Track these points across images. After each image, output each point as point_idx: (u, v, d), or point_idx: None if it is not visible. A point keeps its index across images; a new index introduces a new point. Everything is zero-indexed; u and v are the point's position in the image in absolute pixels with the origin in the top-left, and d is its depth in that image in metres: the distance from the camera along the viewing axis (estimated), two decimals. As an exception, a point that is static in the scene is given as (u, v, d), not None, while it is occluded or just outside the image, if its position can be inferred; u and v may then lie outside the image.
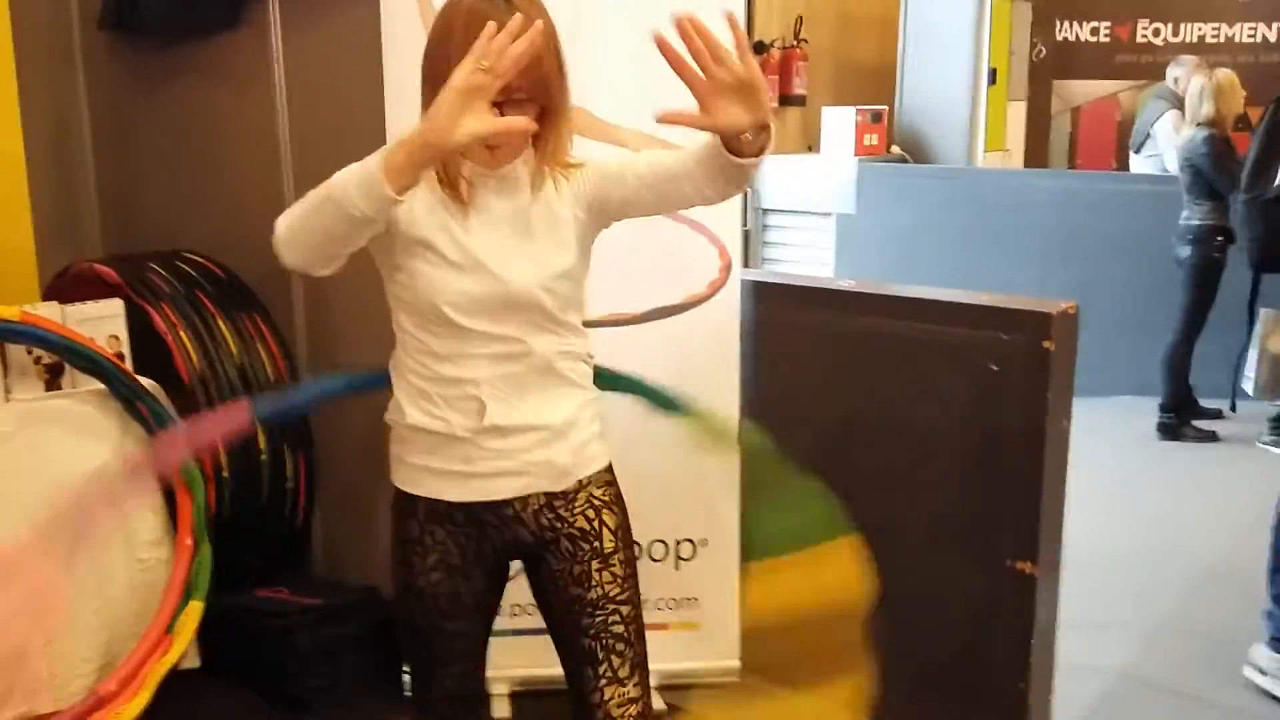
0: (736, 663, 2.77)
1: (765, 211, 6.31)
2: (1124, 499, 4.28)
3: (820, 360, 2.65)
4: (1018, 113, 6.45)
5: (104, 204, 3.30)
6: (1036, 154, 6.61)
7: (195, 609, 2.68)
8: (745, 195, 6.15)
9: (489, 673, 2.56)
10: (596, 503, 1.76)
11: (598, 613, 1.74)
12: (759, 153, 1.54)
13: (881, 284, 2.86)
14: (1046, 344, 2.28)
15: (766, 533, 2.22)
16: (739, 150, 1.52)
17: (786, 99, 6.28)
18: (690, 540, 2.73)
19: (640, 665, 1.79)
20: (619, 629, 1.75)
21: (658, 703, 2.71)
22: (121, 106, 3.21)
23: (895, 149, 6.34)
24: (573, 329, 1.73)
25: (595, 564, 1.74)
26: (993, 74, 6.11)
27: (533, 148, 1.66)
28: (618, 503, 1.81)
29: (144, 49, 3.05)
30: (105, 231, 3.31)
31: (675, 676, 2.76)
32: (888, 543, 2.57)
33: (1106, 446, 4.54)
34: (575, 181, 1.69)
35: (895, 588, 2.57)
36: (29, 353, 2.60)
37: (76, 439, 2.60)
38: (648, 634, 2.72)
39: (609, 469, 1.81)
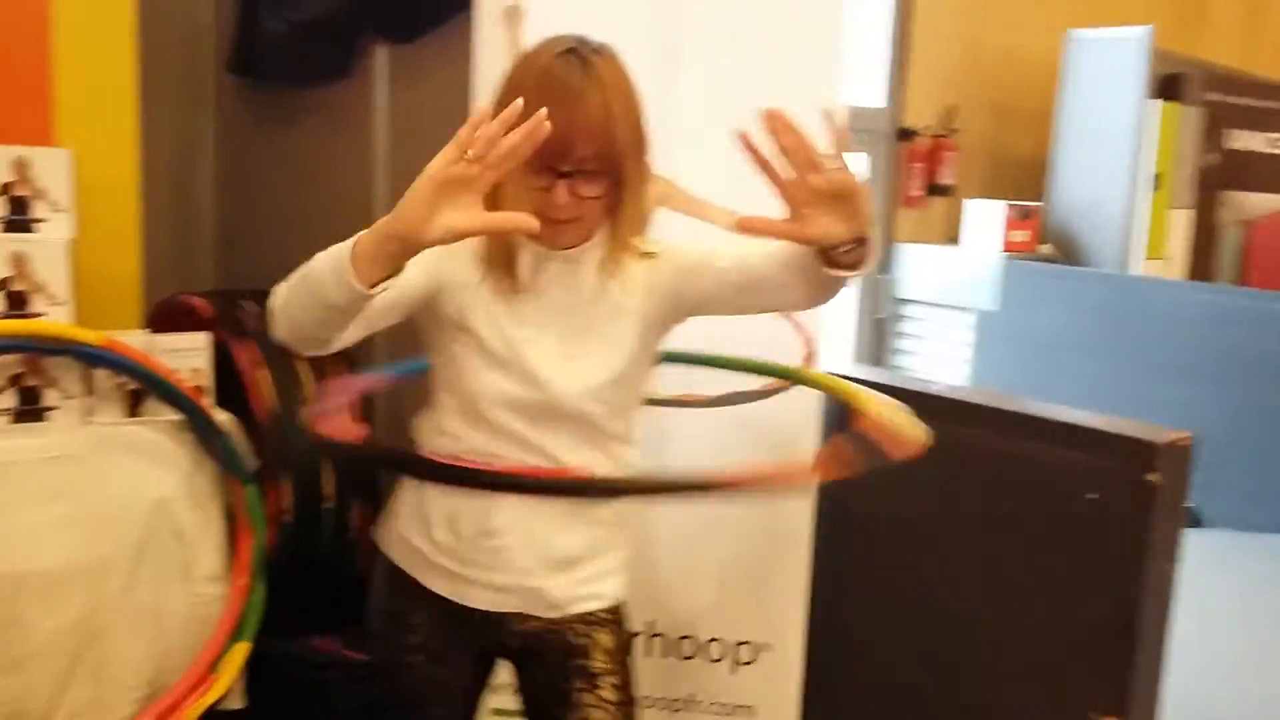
0: (790, 781, 2.59)
1: (901, 301, 6.10)
2: (1257, 649, 3.88)
3: (903, 466, 2.46)
4: (1182, 221, 6.08)
5: (220, 240, 3.38)
6: (1201, 266, 6.21)
7: (241, 650, 2.65)
8: (878, 283, 5.97)
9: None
10: (591, 618, 1.61)
11: None
12: (855, 266, 1.38)
13: (976, 391, 2.67)
14: (1151, 477, 2.06)
15: None
16: (833, 262, 1.36)
17: (934, 189, 6.09)
18: (750, 643, 2.57)
19: None
20: None
21: (698, 814, 2.55)
22: (244, 147, 3.30)
23: (1046, 247, 6.05)
24: (620, 439, 1.59)
25: (579, 684, 1.60)
26: (1156, 179, 5.79)
27: (606, 227, 1.53)
28: (615, 620, 1.65)
29: (267, 93, 3.12)
30: (219, 266, 3.38)
31: (721, 786, 2.59)
32: (964, 676, 2.37)
33: (1256, 589, 4.14)
34: (649, 271, 1.55)
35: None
36: (113, 378, 2.64)
37: (148, 466, 2.62)
38: (698, 735, 2.58)
39: (614, 609, 1.66)
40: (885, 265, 5.97)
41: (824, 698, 2.56)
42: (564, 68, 1.44)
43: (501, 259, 1.50)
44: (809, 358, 2.50)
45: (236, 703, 2.73)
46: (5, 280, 2.54)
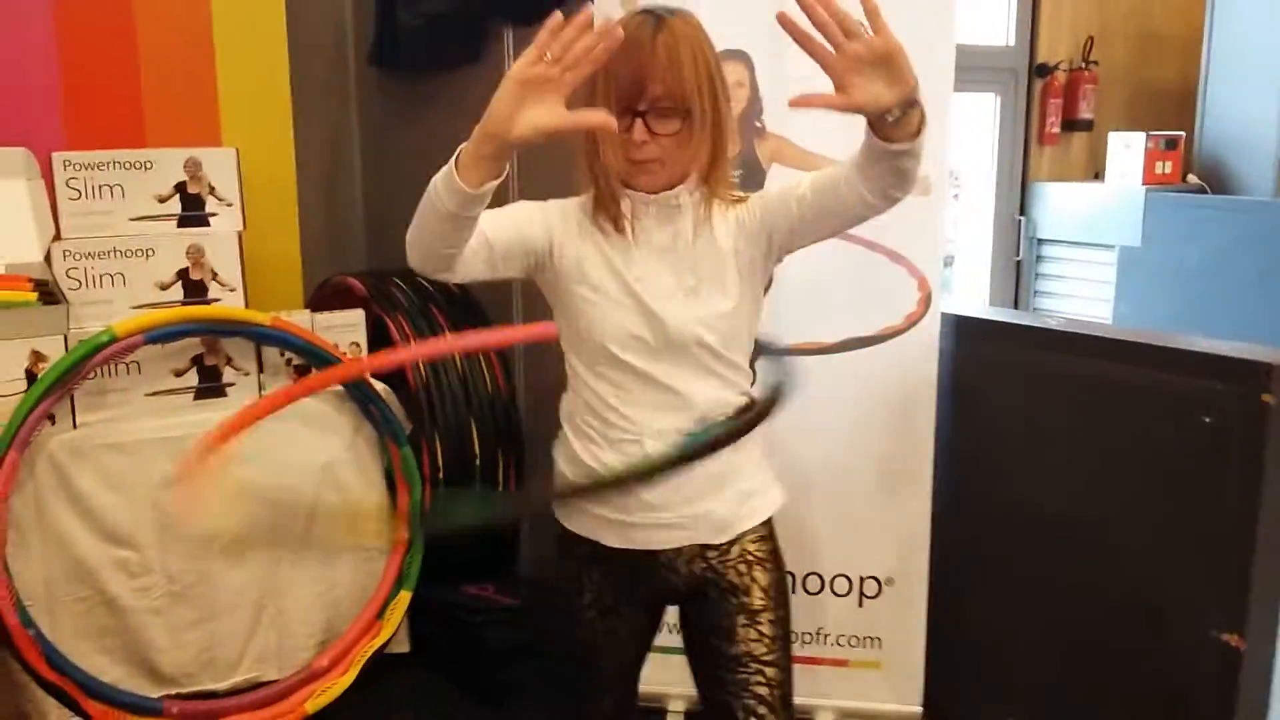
0: (919, 708, 2.68)
1: (1041, 242, 5.99)
2: None
3: (1021, 402, 2.52)
4: (1341, 141, 5.78)
5: (369, 223, 3.63)
6: (1363, 187, 5.90)
7: (404, 598, 2.90)
8: (1020, 224, 5.88)
9: (664, 689, 2.64)
10: (750, 558, 1.71)
11: (740, 670, 1.69)
12: (912, 135, 1.44)
13: (1089, 324, 2.70)
14: (1266, 397, 2.07)
15: None
16: (889, 135, 1.43)
17: (1071, 124, 5.94)
18: (876, 578, 2.67)
19: None
20: (761, 690, 1.68)
21: (832, 739, 2.67)
22: (386, 135, 3.52)
23: (1192, 178, 5.85)
24: (737, 368, 1.68)
25: (741, 619, 1.69)
26: (1310, 98, 5.52)
27: (697, 174, 1.63)
28: (773, 559, 1.74)
29: (404, 82, 3.33)
30: (369, 248, 3.63)
31: (853, 714, 2.71)
32: (1087, 600, 2.43)
33: None
34: (741, 214, 1.64)
35: (1090, 652, 2.42)
36: (281, 354, 2.90)
37: (313, 433, 2.87)
38: (827, 668, 2.71)
39: (768, 522, 1.75)
40: (1022, 206, 5.89)
41: (949, 628, 2.65)
42: (638, 22, 1.56)
43: (606, 206, 1.61)
44: (925, 299, 2.58)
45: (403, 646, 2.99)
46: (183, 270, 2.82)
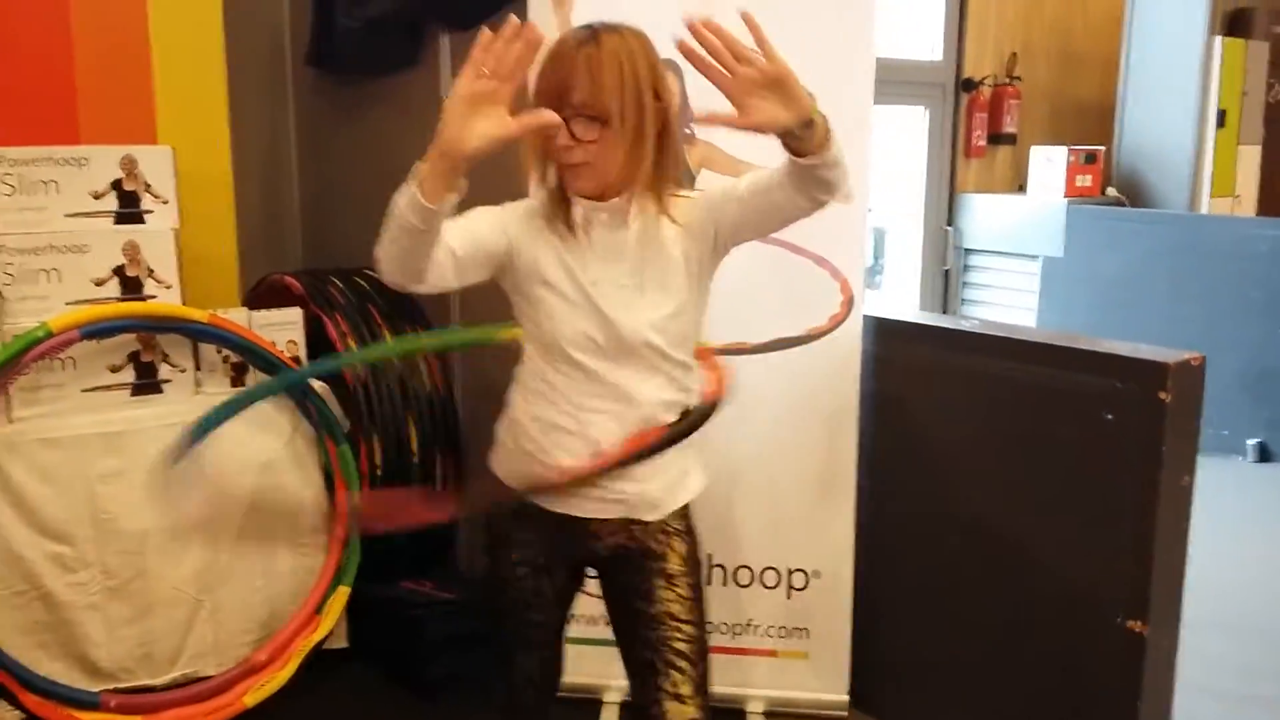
0: (845, 697, 2.78)
1: (968, 251, 6.17)
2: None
3: (937, 399, 2.64)
4: (1250, 158, 6.04)
5: (305, 222, 3.65)
6: (1272, 202, 6.16)
7: (342, 593, 2.94)
8: (947, 234, 6.05)
9: (601, 681, 2.71)
10: (669, 529, 1.81)
11: (660, 628, 1.77)
12: (820, 149, 1.53)
13: (1001, 326, 2.82)
14: (1162, 395, 2.19)
15: None
16: (797, 150, 1.53)
17: (996, 137, 6.13)
18: (803, 570, 2.76)
19: (702, 686, 1.79)
20: (680, 645, 1.77)
21: (759, 727, 2.76)
22: (322, 135, 3.55)
23: (1111, 191, 6.07)
24: (682, 366, 1.77)
25: (660, 581, 1.79)
26: (1221, 116, 5.76)
27: (643, 181, 1.69)
28: (690, 534, 1.84)
29: (341, 84, 3.37)
30: (306, 247, 3.66)
31: (781, 704, 2.80)
32: (1003, 590, 2.54)
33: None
34: (684, 215, 1.72)
35: (1006, 642, 2.54)
36: (218, 352, 2.92)
37: (252, 431, 2.87)
38: (755, 659, 2.80)
39: (688, 510, 1.86)
40: (949, 216, 6.06)
41: (873, 618, 2.75)
42: (573, 35, 1.66)
43: (557, 213, 1.70)
44: (848, 302, 2.68)
45: (341, 642, 3.02)
46: (120, 267, 2.83)
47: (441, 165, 1.49)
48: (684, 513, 1.84)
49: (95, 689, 2.66)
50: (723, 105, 1.53)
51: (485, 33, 1.46)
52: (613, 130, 1.63)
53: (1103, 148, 6.04)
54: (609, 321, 1.69)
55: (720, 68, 1.49)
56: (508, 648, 1.93)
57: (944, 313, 6.11)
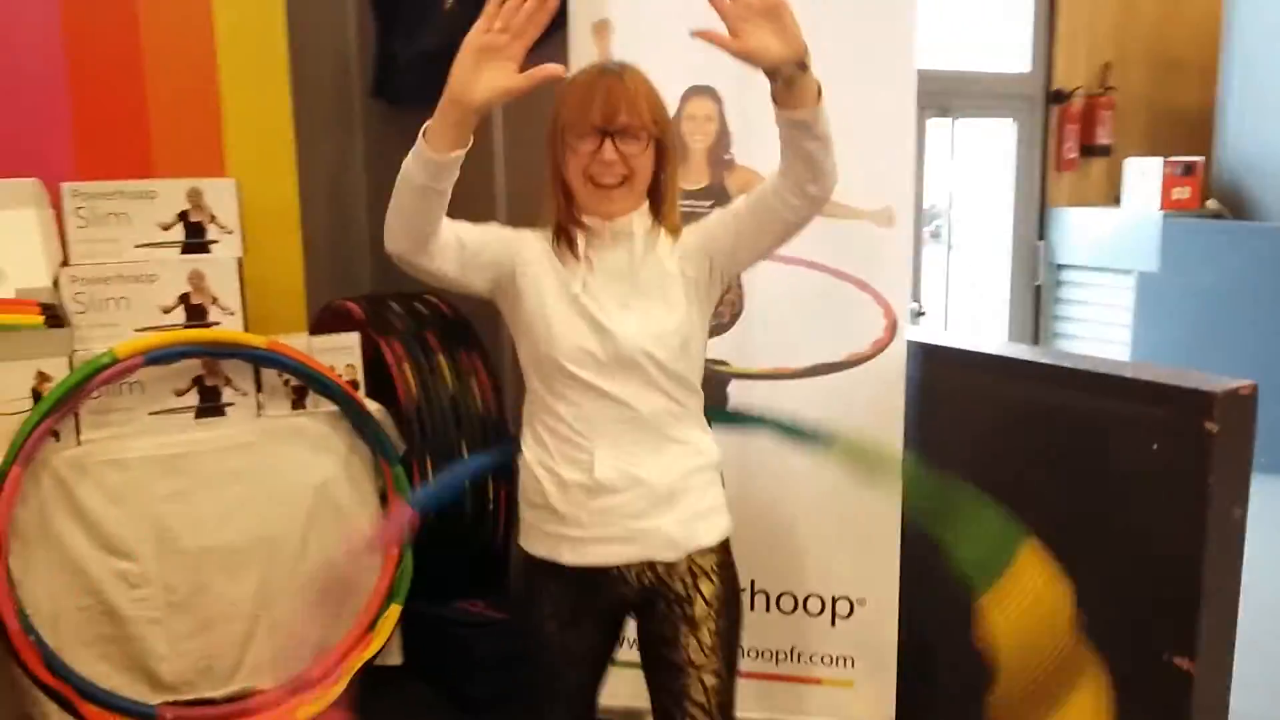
0: (891, 726, 2.73)
1: (1060, 268, 6.00)
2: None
3: (982, 427, 2.57)
4: (1361, 165, 5.74)
5: (374, 248, 3.74)
6: (1385, 211, 5.84)
7: (394, 611, 2.99)
8: (1039, 249, 5.88)
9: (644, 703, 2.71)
10: (696, 570, 1.80)
11: (681, 677, 1.78)
12: (810, 103, 1.56)
13: (1048, 352, 2.73)
14: (1209, 425, 2.11)
15: (965, 567, 2.12)
16: (787, 101, 1.57)
17: (1090, 149, 5.96)
18: (848, 599, 2.72)
19: None
20: (699, 697, 1.77)
21: (803, 756, 2.72)
22: (392, 163, 3.62)
23: (1211, 203, 5.84)
24: (685, 385, 1.79)
25: (684, 628, 1.79)
26: (1329, 122, 5.50)
27: (648, 204, 1.78)
28: (720, 571, 1.83)
29: (407, 113, 3.45)
30: (375, 273, 3.75)
31: (825, 733, 2.76)
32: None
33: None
34: (684, 239, 1.78)
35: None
36: (279, 376, 3.02)
37: (310, 452, 2.97)
38: (801, 686, 2.77)
39: (725, 544, 1.85)
40: (1041, 231, 5.90)
41: (918, 647, 2.69)
42: (600, 68, 1.76)
43: (564, 234, 1.76)
44: (891, 326, 2.64)
45: (395, 659, 3.08)
46: (185, 295, 2.95)
47: (450, 114, 1.57)
48: (716, 550, 1.83)
49: (158, 700, 2.76)
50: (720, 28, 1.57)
51: None
52: (648, 148, 1.71)
53: (1201, 158, 5.82)
54: (607, 333, 1.72)
55: None
56: (537, 700, 1.94)
57: (1035, 330, 5.96)
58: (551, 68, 1.58)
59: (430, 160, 1.57)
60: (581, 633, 1.85)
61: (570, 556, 1.79)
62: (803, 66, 1.54)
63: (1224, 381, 2.15)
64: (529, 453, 1.81)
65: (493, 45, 1.53)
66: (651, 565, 1.78)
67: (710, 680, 1.78)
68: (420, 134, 1.58)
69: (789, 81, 1.55)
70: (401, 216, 1.65)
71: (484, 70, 1.54)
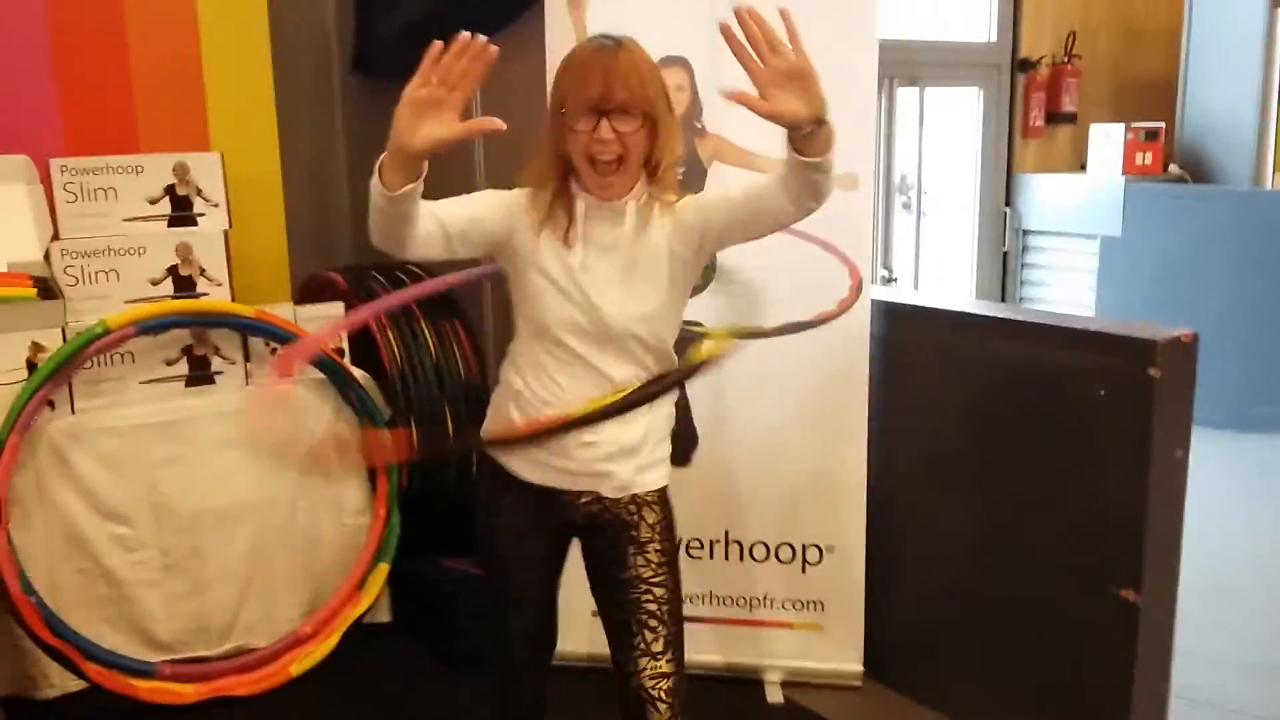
0: (860, 667, 2.86)
1: (1026, 233, 6.13)
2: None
3: (940, 379, 2.70)
4: (1318, 129, 5.88)
5: (356, 221, 3.83)
6: (1343, 174, 5.98)
7: (383, 570, 3.11)
8: (1005, 215, 6.02)
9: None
10: (640, 500, 1.92)
11: (631, 591, 1.90)
12: (822, 151, 1.65)
13: (1000, 307, 2.86)
14: (1152, 371, 2.23)
15: None
16: (801, 149, 1.64)
17: (1056, 117, 6.07)
18: (817, 546, 2.85)
19: (674, 644, 1.91)
20: (651, 606, 1.89)
21: (775, 695, 2.86)
22: (371, 137, 3.70)
23: (1173, 168, 5.97)
24: (663, 356, 1.90)
25: (631, 549, 1.91)
26: (1287, 87, 5.63)
27: (645, 181, 1.85)
28: (660, 504, 1.95)
29: (387, 88, 3.53)
30: (357, 245, 3.84)
31: (797, 674, 2.89)
32: (1003, 561, 2.60)
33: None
34: (678, 216, 1.84)
35: (1007, 611, 2.60)
36: (266, 345, 3.11)
37: (298, 418, 3.07)
38: (772, 631, 2.89)
39: (663, 490, 1.97)
40: (1007, 197, 6.02)
41: (884, 592, 2.82)
42: (600, 43, 1.80)
43: (562, 210, 1.83)
44: (856, 286, 2.74)
45: (383, 616, 3.19)
46: (173, 267, 3.03)
47: (394, 160, 1.62)
48: (657, 492, 1.95)
49: (154, 660, 2.86)
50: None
51: (436, 45, 1.59)
52: (644, 124, 1.77)
53: (1163, 124, 5.94)
54: (597, 310, 1.81)
55: (754, 55, 1.60)
56: (499, 606, 2.05)
57: (1003, 295, 6.09)
58: (488, 121, 1.63)
59: (385, 195, 1.65)
60: (535, 543, 1.97)
61: (528, 473, 1.91)
62: (821, 121, 1.63)
63: (1166, 330, 2.27)
64: (508, 382, 1.92)
65: (430, 100, 1.59)
66: (599, 498, 1.91)
67: (660, 592, 1.91)
68: (376, 169, 1.65)
69: (809, 135, 1.64)
70: (377, 227, 1.73)
71: (423, 122, 1.59)
